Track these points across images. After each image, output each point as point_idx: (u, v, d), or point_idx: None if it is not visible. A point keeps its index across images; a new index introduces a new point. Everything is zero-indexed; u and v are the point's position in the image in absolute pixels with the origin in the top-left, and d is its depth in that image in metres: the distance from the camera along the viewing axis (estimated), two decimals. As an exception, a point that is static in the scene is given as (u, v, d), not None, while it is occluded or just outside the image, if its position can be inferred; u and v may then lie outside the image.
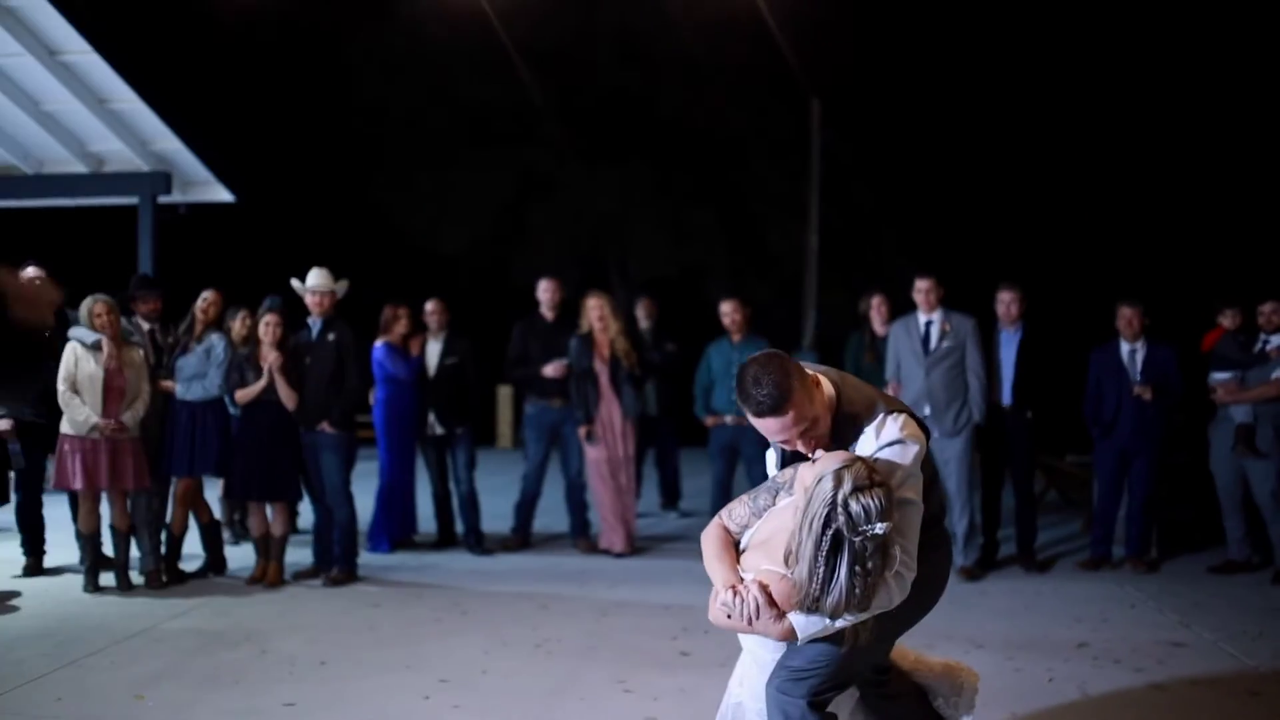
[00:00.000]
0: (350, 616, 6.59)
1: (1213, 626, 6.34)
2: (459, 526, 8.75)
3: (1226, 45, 15.45)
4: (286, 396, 7.37)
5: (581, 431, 8.32)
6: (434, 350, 8.71)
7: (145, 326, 7.75)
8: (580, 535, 8.69)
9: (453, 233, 21.15)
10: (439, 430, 8.64)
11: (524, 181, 21.35)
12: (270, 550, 7.50)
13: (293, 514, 9.04)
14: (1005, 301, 7.91)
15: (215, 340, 7.56)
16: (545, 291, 8.72)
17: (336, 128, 19.42)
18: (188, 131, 11.64)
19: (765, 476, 8.42)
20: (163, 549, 7.46)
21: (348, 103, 19.76)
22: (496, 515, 9.02)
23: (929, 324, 7.79)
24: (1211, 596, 7.12)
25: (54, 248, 13.75)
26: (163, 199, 12.18)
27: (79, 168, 11.98)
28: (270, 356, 7.40)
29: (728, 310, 8.56)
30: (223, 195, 12.58)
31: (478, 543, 8.56)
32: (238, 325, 7.76)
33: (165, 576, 7.39)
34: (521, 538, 8.77)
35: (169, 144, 11.75)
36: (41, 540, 7.80)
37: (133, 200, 12.12)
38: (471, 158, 20.84)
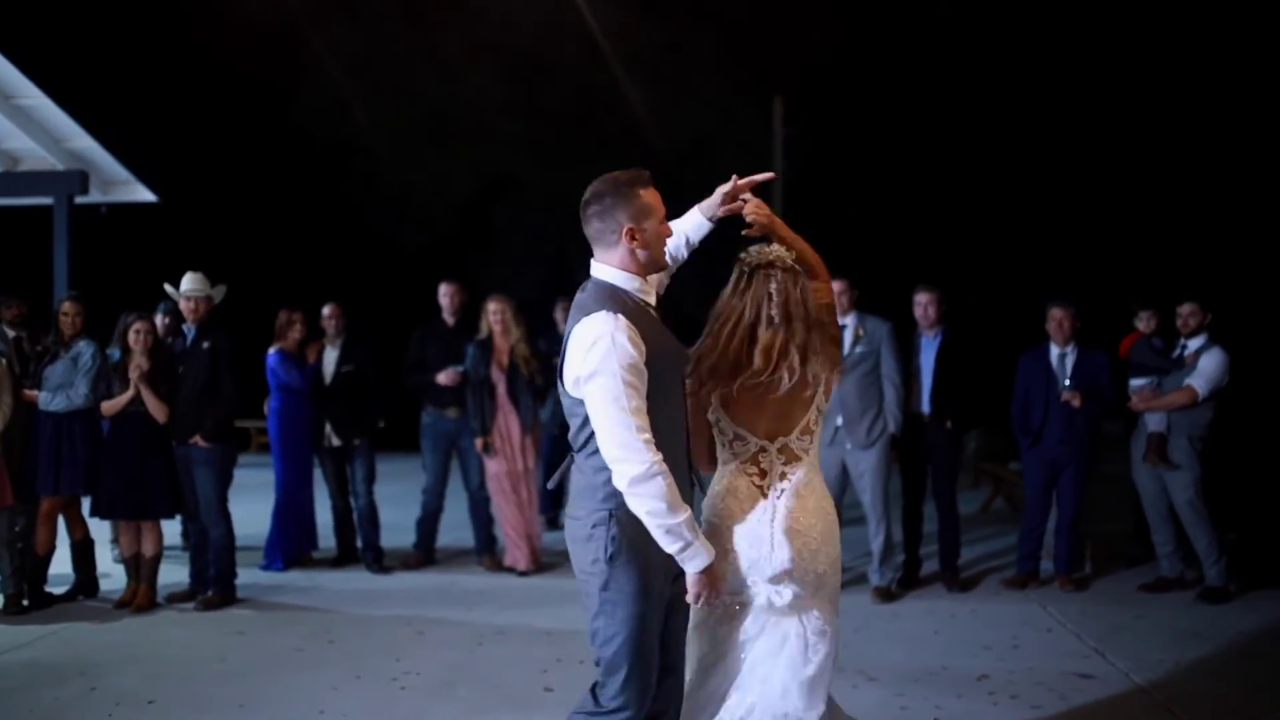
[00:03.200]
0: (206, 646, 6.14)
1: (1127, 654, 5.88)
2: (361, 542, 8.30)
3: (1161, 43, 15.16)
4: (155, 408, 6.91)
5: (478, 443, 7.87)
6: (331, 357, 8.25)
7: (10, 334, 7.30)
8: (485, 552, 8.23)
9: (415, 232, 20.70)
10: (336, 441, 8.19)
11: (487, 181, 20.92)
12: (140, 572, 7.05)
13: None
14: (922, 304, 7.45)
15: (83, 348, 7.10)
16: (445, 296, 8.25)
17: (290, 127, 18.96)
18: (101, 129, 11.18)
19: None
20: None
21: (305, 101, 19.31)
22: (410, 529, 8.52)
23: (842, 328, 7.31)
24: (1136, 618, 6.66)
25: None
26: (80, 199, 11.75)
27: (-8, 167, 11.56)
28: (140, 365, 6.95)
29: None
30: (144, 195, 12.15)
31: (376, 560, 8.11)
32: (130, 334, 7.29)
33: (27, 600, 6.94)
34: (423, 554, 8.31)
35: (83, 142, 11.32)
36: (-96, 562, 7.35)
37: (48, 200, 11.70)
38: (433, 156, 20.41)
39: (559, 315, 9.59)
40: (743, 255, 3.62)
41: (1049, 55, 16.08)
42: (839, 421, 7.16)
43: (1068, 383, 7.37)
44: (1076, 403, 7.29)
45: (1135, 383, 7.36)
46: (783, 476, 3.47)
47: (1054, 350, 7.49)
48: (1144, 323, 7.77)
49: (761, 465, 3.49)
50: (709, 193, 3.72)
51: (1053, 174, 16.39)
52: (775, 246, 3.60)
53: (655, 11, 19.43)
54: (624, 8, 19.34)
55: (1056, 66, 16.02)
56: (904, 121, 17.50)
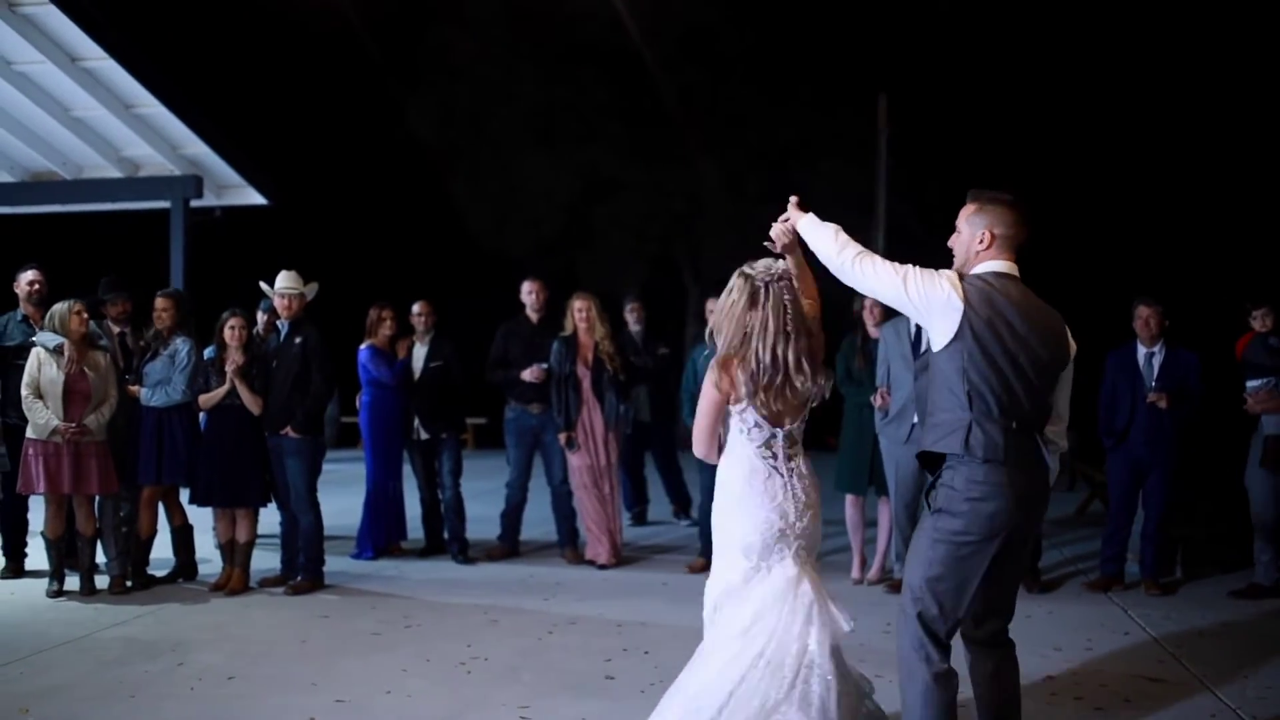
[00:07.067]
0: (290, 628, 6.40)
1: (1206, 660, 5.73)
2: (447, 534, 8.52)
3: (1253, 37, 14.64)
4: (249, 401, 7.23)
5: (561, 438, 8.01)
6: (419, 353, 8.49)
7: (115, 330, 7.70)
8: (568, 545, 8.39)
9: (519, 234, 20.99)
10: (424, 435, 8.43)
11: (590, 182, 21.08)
12: (235, 557, 7.37)
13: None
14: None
15: (180, 345, 7.44)
16: (529, 293, 8.44)
17: (395, 130, 19.45)
18: (213, 135, 11.67)
19: None
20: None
21: (408, 105, 19.78)
22: (498, 523, 8.71)
23: (919, 325, 7.24)
24: (1222, 625, 6.47)
25: (94, 251, 14.04)
26: (195, 203, 12.27)
27: (115, 173, 12.14)
28: (235, 360, 7.28)
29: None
30: (255, 198, 12.64)
31: (461, 551, 8.32)
32: (225, 330, 7.63)
33: (130, 582, 7.32)
34: (507, 546, 8.50)
35: (198, 148, 11.81)
36: (23, 544, 7.82)
37: (165, 204, 12.24)
38: (537, 158, 20.65)
39: (628, 316, 9.69)
40: (748, 270, 4.01)
41: (1135, 50, 15.72)
42: (914, 418, 7.11)
43: (1155, 384, 7.20)
44: (1163, 404, 7.12)
45: (1251, 384, 7.08)
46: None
47: (1141, 349, 7.33)
48: (1259, 321, 7.47)
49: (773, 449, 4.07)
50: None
51: (1151, 167, 15.93)
52: (779, 262, 4.01)
53: (756, 11, 19.42)
54: (726, 6, 19.38)
55: (1147, 60, 15.64)
56: (989, 114, 17.25)
